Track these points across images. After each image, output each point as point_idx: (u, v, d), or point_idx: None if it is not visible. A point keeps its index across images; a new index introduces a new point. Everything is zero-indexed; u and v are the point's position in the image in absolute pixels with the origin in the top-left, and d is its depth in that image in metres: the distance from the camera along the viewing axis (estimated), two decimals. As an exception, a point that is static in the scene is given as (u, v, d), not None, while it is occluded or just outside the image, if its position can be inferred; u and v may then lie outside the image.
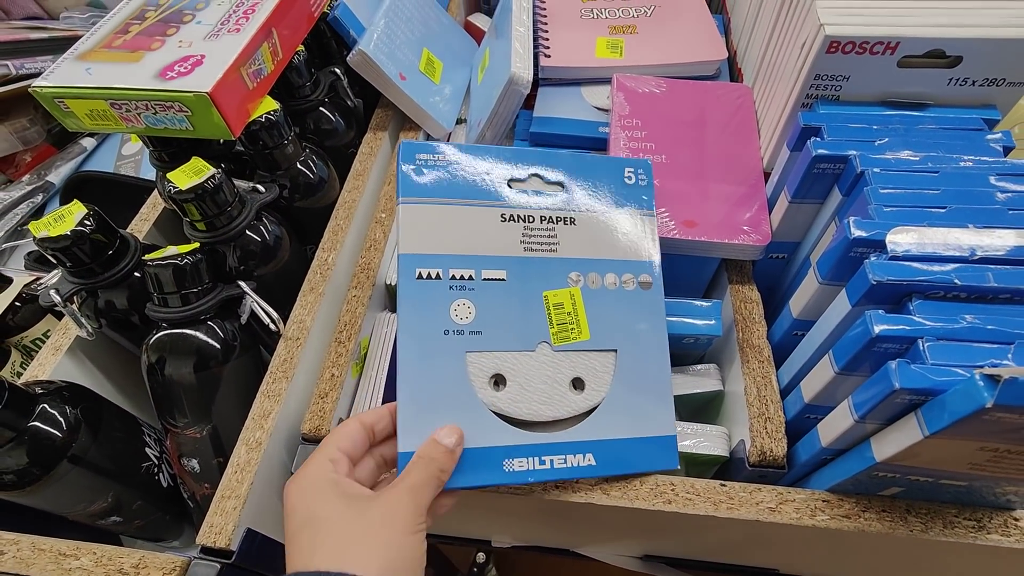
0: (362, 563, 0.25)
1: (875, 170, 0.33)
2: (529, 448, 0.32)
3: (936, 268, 0.28)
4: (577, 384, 0.34)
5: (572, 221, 0.35)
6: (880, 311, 0.28)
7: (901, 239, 0.29)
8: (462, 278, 0.33)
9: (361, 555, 0.25)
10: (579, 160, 0.37)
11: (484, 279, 0.33)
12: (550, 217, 0.35)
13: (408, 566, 0.26)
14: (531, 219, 0.35)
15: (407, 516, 0.27)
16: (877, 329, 0.27)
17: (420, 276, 0.33)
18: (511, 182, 0.35)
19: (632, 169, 0.38)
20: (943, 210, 0.31)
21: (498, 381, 0.33)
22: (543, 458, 0.32)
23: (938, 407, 0.25)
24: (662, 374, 0.35)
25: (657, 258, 0.36)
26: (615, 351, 0.34)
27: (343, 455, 0.29)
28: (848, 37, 0.34)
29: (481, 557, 0.98)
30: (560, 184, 0.36)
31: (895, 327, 0.27)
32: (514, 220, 0.35)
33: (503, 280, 0.34)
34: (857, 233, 0.30)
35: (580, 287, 0.35)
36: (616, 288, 0.35)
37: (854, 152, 0.34)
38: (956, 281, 0.28)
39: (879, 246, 0.30)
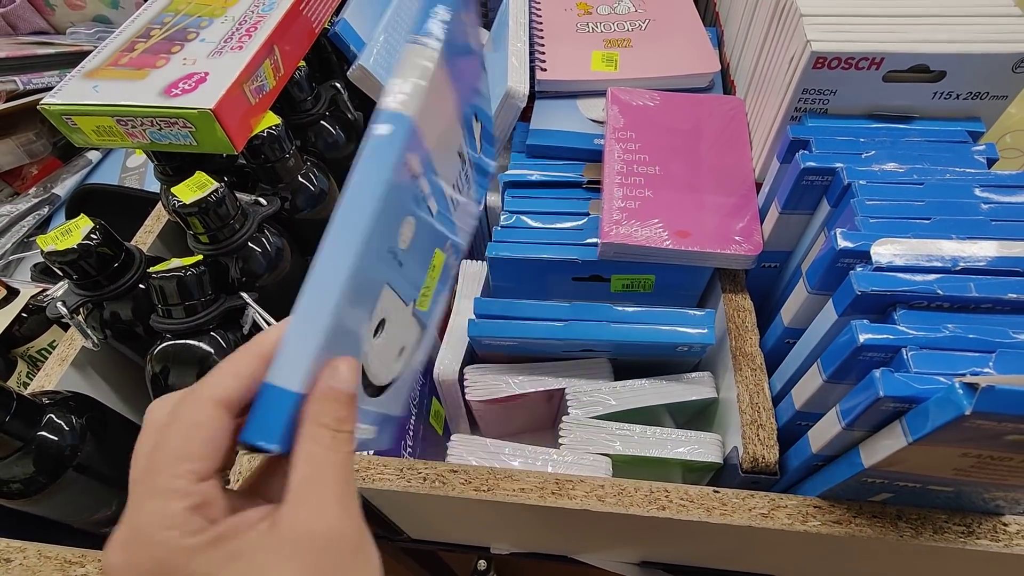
0: None
1: (861, 182, 0.34)
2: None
3: (919, 278, 0.29)
4: (401, 352, 0.28)
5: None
6: (865, 321, 0.28)
7: (885, 250, 0.30)
8: (425, 196, 0.25)
9: None
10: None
11: (428, 206, 0.26)
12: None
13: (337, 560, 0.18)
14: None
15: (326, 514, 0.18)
16: (862, 338, 0.28)
17: (407, 164, 0.23)
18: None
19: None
20: (927, 221, 0.32)
21: (379, 327, 0.25)
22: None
23: (921, 415, 0.25)
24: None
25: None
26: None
27: (196, 484, 0.18)
28: (834, 53, 0.35)
29: (482, 564, 0.98)
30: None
31: (879, 336, 0.28)
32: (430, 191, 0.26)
33: (431, 212, 0.26)
34: (844, 244, 0.31)
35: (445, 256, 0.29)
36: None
37: (841, 164, 0.35)
38: (939, 291, 0.28)
39: (865, 257, 0.31)
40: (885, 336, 0.28)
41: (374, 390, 0.26)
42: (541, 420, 0.50)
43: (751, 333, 0.41)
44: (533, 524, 0.43)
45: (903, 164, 0.35)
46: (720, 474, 0.40)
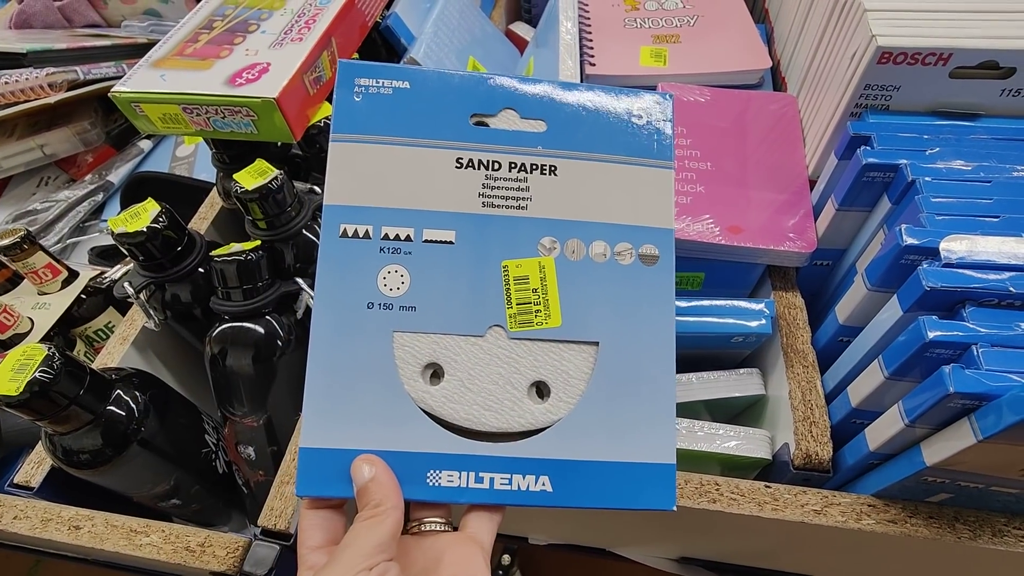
0: None
1: (926, 179, 0.33)
2: (462, 460, 0.25)
3: (991, 276, 0.28)
4: (541, 390, 0.27)
5: (552, 170, 0.27)
6: (933, 317, 0.28)
7: (955, 246, 0.29)
8: (396, 238, 0.26)
9: None
10: (569, 90, 0.28)
11: (425, 240, 0.26)
12: (522, 164, 0.27)
13: None
14: (496, 165, 0.27)
15: None
16: (931, 334, 0.27)
17: (345, 234, 0.26)
18: (476, 117, 0.27)
19: (644, 105, 0.28)
20: (996, 219, 0.32)
21: (436, 372, 0.27)
22: (480, 474, 0.25)
23: (993, 412, 0.25)
24: (663, 381, 0.26)
25: (670, 224, 0.27)
26: (596, 344, 0.26)
27: (323, 551, 0.24)
28: (900, 48, 0.35)
29: (506, 559, 0.99)
30: (541, 120, 0.28)
31: (949, 333, 0.27)
32: (473, 166, 0.27)
33: (450, 243, 0.26)
34: (909, 240, 0.31)
35: (554, 257, 0.27)
36: (606, 261, 0.27)
37: (905, 161, 0.34)
38: (1011, 289, 0.28)
39: (930, 253, 0.30)
40: (955, 333, 0.27)
41: (488, 436, 0.26)
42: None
43: (803, 330, 0.41)
44: (577, 516, 0.43)
45: (969, 162, 0.34)
46: (767, 472, 0.40)
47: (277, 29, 0.46)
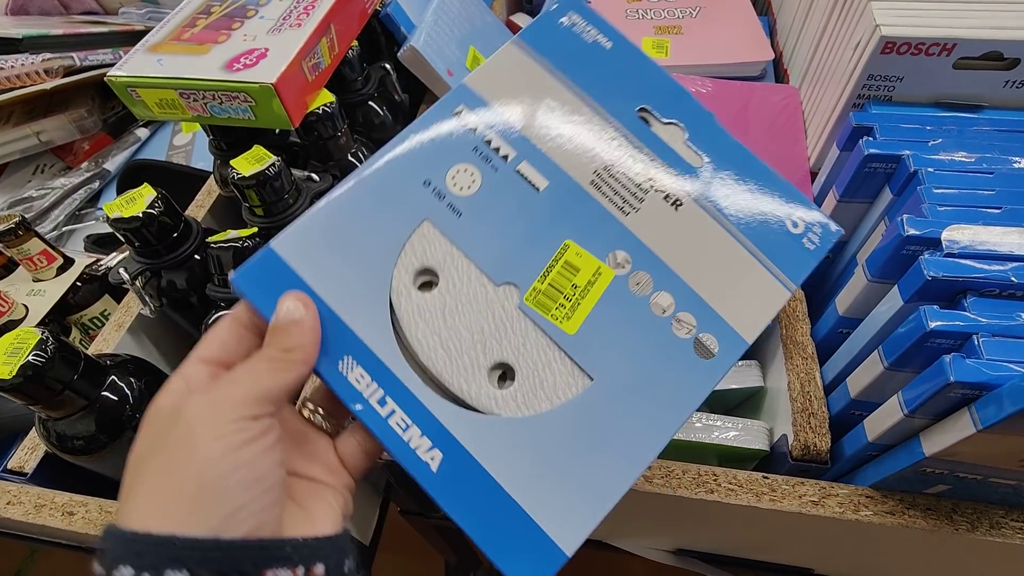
0: (133, 506, 0.18)
1: (929, 170, 0.33)
2: (384, 373, 0.22)
3: (992, 266, 0.28)
4: (505, 375, 0.24)
5: (677, 204, 0.25)
6: (934, 307, 0.28)
7: (957, 236, 0.29)
8: (495, 150, 0.25)
9: (137, 496, 0.19)
10: (743, 158, 0.25)
11: (517, 171, 0.25)
12: (655, 179, 0.25)
13: (207, 492, 0.18)
14: (631, 161, 0.25)
15: (212, 417, 0.19)
16: (932, 324, 0.27)
17: (458, 114, 0.25)
18: (645, 112, 0.26)
19: (808, 220, 0.25)
20: (998, 210, 0.31)
21: (429, 283, 0.24)
22: (387, 399, 0.22)
23: (993, 402, 0.25)
24: (619, 473, 0.22)
25: (748, 339, 0.24)
26: (590, 380, 0.23)
27: (206, 367, 0.21)
28: (904, 38, 0.34)
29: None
30: (704, 157, 0.25)
31: (950, 323, 0.27)
32: (611, 148, 0.25)
33: (536, 190, 0.25)
34: (910, 231, 0.31)
35: (616, 274, 0.24)
36: (661, 317, 0.24)
37: (907, 152, 0.34)
38: (1013, 279, 0.28)
39: (932, 244, 0.30)
40: (956, 323, 0.27)
41: (435, 385, 0.23)
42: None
43: (802, 322, 0.41)
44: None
45: (972, 153, 0.34)
46: (765, 464, 0.40)
47: (276, 15, 0.46)
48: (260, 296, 0.22)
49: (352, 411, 0.22)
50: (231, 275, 0.23)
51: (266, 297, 0.22)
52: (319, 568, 0.19)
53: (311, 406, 0.24)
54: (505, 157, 0.25)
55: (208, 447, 0.18)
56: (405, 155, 0.25)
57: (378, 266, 0.24)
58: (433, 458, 0.22)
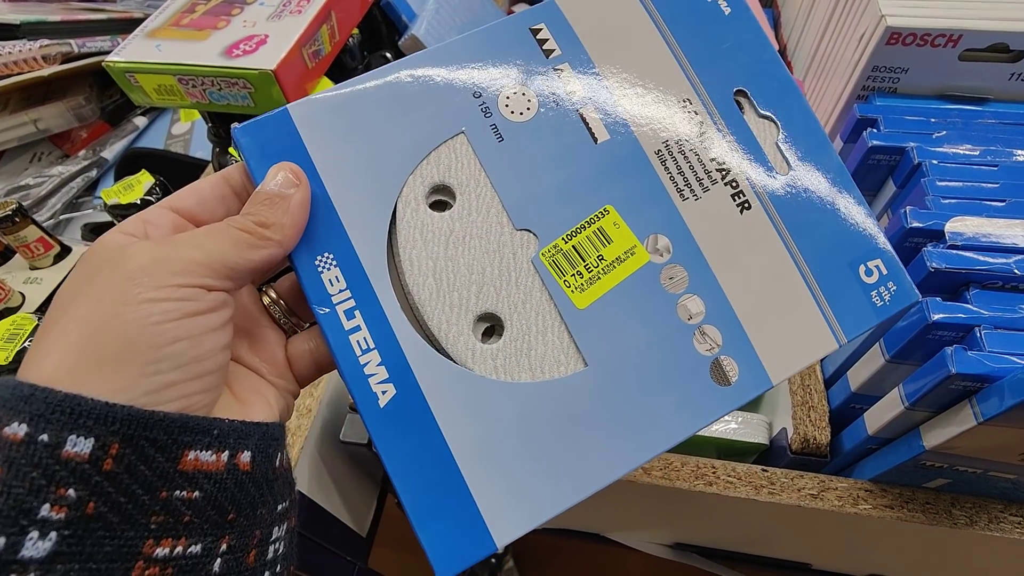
0: (44, 355, 0.16)
1: (933, 162, 0.33)
2: (362, 282, 0.20)
3: (996, 258, 0.28)
4: (492, 329, 0.21)
5: (745, 206, 0.21)
6: (936, 299, 0.28)
7: (960, 228, 0.29)
8: (565, 83, 0.22)
9: (48, 344, 0.16)
10: (838, 179, 0.22)
11: (580, 113, 0.22)
12: (727, 170, 0.22)
13: (132, 356, 0.16)
14: (710, 143, 0.22)
15: (157, 272, 0.16)
16: (935, 316, 0.27)
17: (535, 34, 0.22)
18: (742, 94, 0.22)
19: (885, 274, 0.21)
20: (1002, 203, 0.31)
21: (441, 203, 0.22)
22: (356, 312, 0.20)
23: (995, 394, 0.25)
24: (583, 483, 0.20)
25: (774, 378, 0.21)
26: (584, 366, 0.21)
27: (172, 217, 0.19)
28: (910, 29, 0.34)
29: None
30: (792, 168, 0.22)
31: (952, 315, 0.27)
32: (687, 122, 0.22)
33: (593, 141, 0.22)
34: (914, 223, 0.30)
35: (650, 261, 0.21)
36: (685, 325, 0.21)
37: (911, 144, 0.34)
38: (1016, 271, 0.28)
39: (936, 236, 0.30)
40: (958, 315, 0.27)
41: (412, 316, 0.21)
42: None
43: (803, 316, 0.40)
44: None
45: (976, 146, 0.34)
46: (765, 457, 0.40)
47: (276, 1, 0.46)
48: (256, 155, 0.20)
49: (315, 313, 0.20)
50: (234, 126, 0.20)
51: (262, 159, 0.20)
52: (245, 456, 0.17)
53: (273, 295, 0.22)
54: (571, 93, 0.22)
55: (144, 306, 0.16)
56: (464, 57, 0.22)
57: (395, 166, 0.21)
58: (384, 392, 0.20)
